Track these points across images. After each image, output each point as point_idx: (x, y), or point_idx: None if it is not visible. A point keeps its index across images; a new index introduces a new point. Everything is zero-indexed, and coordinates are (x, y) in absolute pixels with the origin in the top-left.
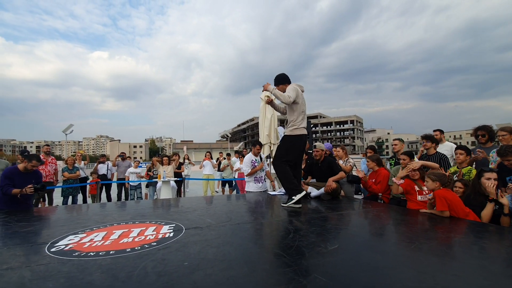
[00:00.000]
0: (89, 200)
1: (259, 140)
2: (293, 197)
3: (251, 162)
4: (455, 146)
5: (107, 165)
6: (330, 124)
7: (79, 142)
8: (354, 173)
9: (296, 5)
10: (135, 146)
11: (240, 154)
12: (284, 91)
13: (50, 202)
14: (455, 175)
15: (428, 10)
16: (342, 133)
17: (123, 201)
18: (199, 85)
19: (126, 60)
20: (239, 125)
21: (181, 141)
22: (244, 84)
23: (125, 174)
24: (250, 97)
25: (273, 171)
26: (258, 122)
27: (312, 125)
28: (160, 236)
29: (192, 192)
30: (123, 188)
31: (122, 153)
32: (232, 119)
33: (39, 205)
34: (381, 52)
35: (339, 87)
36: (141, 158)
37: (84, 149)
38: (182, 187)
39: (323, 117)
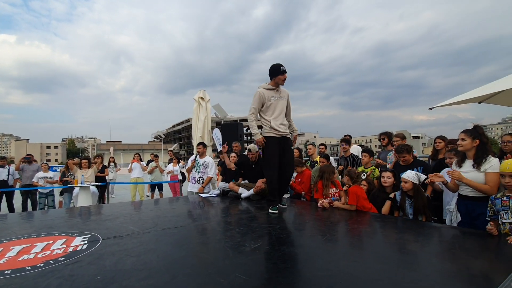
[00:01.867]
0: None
1: (192, 141)
2: (270, 208)
3: (191, 161)
4: (361, 149)
5: (8, 169)
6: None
7: None
8: None
9: (233, 10)
10: (48, 147)
11: (176, 157)
12: (275, 85)
13: None
14: (362, 174)
15: (347, 29)
16: None
17: (29, 211)
18: (129, 81)
19: (39, 47)
20: (174, 126)
21: (107, 141)
22: (179, 83)
23: (33, 180)
24: (186, 97)
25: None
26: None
27: (245, 128)
28: (70, 249)
29: (119, 197)
30: (29, 196)
31: (28, 155)
32: (167, 120)
33: None
34: (309, 63)
35: None
36: (56, 160)
37: None
38: (106, 193)
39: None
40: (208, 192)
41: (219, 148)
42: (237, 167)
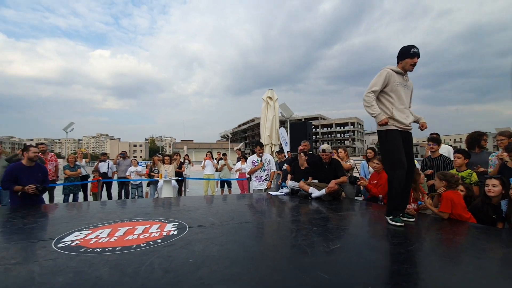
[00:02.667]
0: (90, 198)
1: (260, 141)
2: (389, 219)
3: (252, 162)
4: (453, 149)
5: (108, 163)
6: (330, 125)
7: (79, 140)
8: (355, 174)
9: (299, 7)
10: (135, 145)
11: (243, 156)
12: (403, 70)
13: (51, 199)
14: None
15: (430, 13)
16: (342, 134)
17: (123, 199)
18: (200, 84)
19: (127, 59)
20: (239, 126)
21: (181, 140)
22: (245, 84)
23: (126, 173)
24: (251, 97)
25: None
26: (258, 123)
27: (312, 127)
28: (164, 233)
29: (192, 191)
30: (123, 186)
31: (123, 151)
32: (232, 120)
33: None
34: (383, 54)
35: (340, 89)
36: (140, 157)
37: (84, 147)
38: (183, 187)
39: (324, 119)
40: (267, 188)
41: (285, 148)
42: (309, 166)
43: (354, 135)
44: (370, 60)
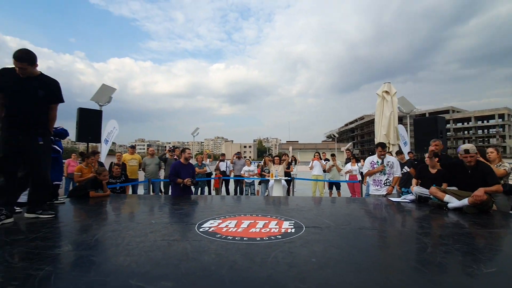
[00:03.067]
0: (212, 192)
1: (375, 140)
2: None
3: (370, 164)
4: None
5: (226, 163)
6: (467, 119)
7: (201, 142)
8: (511, 181)
9: None
10: (245, 146)
11: (353, 156)
12: None
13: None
14: None
15: None
16: (485, 130)
17: (239, 195)
18: (304, 85)
19: (238, 69)
20: (346, 125)
21: (286, 141)
22: (352, 80)
23: (241, 172)
24: (359, 94)
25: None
26: (368, 121)
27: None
28: (283, 230)
29: (299, 192)
30: (238, 184)
31: (238, 152)
32: (338, 119)
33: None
34: None
35: (480, 73)
36: (250, 157)
37: (204, 148)
38: (291, 187)
39: (457, 112)
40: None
41: (404, 148)
42: (445, 170)
43: (503, 130)
44: None
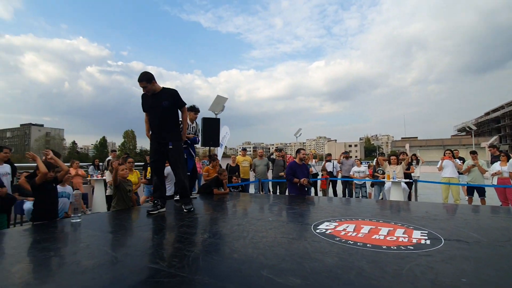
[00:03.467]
0: (319, 193)
1: None
2: None
3: None
4: None
5: (333, 163)
6: None
7: (303, 143)
8: None
9: None
10: (350, 145)
11: (506, 154)
12: None
13: None
14: None
15: None
16: None
17: (349, 197)
18: (422, 71)
19: (340, 64)
20: (487, 114)
21: (401, 138)
22: (493, 56)
23: (349, 173)
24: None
25: None
26: None
27: None
28: (414, 240)
29: (424, 197)
30: (347, 185)
31: (346, 152)
32: (474, 107)
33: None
34: None
35: None
36: (356, 157)
37: (306, 149)
38: (414, 190)
39: None
40: None
41: None
42: None
43: None
44: None
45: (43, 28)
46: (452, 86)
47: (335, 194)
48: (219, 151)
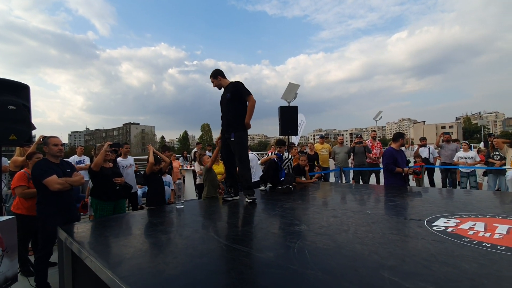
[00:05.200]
0: (412, 183)
1: None
2: None
3: None
4: None
5: (429, 148)
6: None
7: (382, 127)
8: None
9: None
10: (443, 127)
11: None
12: None
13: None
14: None
15: None
16: None
17: (450, 188)
18: None
19: (427, 31)
20: None
21: None
22: None
23: (453, 159)
24: None
25: None
26: None
27: None
28: None
29: None
30: (448, 173)
31: (447, 132)
32: None
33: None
34: None
35: None
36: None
37: (387, 133)
38: None
39: None
40: None
41: None
42: None
43: None
44: None
45: (133, 40)
46: None
47: (432, 184)
48: (296, 140)
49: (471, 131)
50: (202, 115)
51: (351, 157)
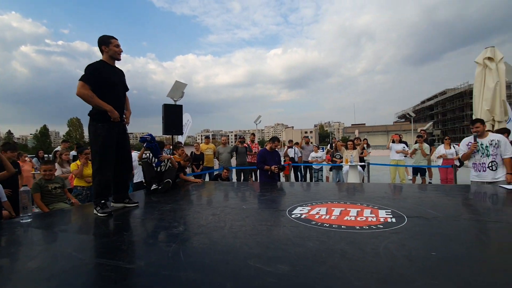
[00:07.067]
0: (282, 179)
1: (473, 116)
2: None
3: (467, 145)
4: None
5: (294, 149)
6: None
7: (261, 130)
8: None
9: None
10: (306, 132)
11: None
12: None
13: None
14: None
15: None
16: None
17: (308, 182)
18: (370, 61)
19: (296, 52)
20: (423, 102)
21: (351, 124)
22: (431, 49)
23: (309, 158)
24: (440, 64)
25: None
26: (452, 96)
27: None
28: (381, 219)
29: (374, 178)
30: (307, 170)
31: (306, 136)
32: (413, 96)
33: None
34: None
35: None
36: (311, 143)
37: (265, 136)
38: (367, 173)
39: None
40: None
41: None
42: None
43: None
44: None
45: None
46: (395, 77)
47: (296, 179)
48: (181, 140)
49: (324, 136)
50: (70, 108)
51: (234, 156)
